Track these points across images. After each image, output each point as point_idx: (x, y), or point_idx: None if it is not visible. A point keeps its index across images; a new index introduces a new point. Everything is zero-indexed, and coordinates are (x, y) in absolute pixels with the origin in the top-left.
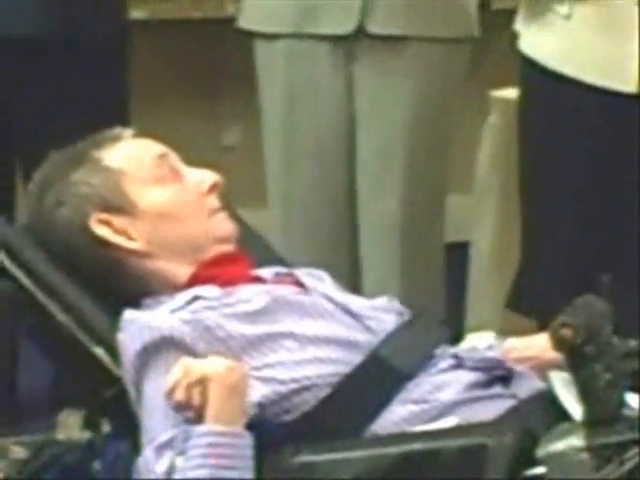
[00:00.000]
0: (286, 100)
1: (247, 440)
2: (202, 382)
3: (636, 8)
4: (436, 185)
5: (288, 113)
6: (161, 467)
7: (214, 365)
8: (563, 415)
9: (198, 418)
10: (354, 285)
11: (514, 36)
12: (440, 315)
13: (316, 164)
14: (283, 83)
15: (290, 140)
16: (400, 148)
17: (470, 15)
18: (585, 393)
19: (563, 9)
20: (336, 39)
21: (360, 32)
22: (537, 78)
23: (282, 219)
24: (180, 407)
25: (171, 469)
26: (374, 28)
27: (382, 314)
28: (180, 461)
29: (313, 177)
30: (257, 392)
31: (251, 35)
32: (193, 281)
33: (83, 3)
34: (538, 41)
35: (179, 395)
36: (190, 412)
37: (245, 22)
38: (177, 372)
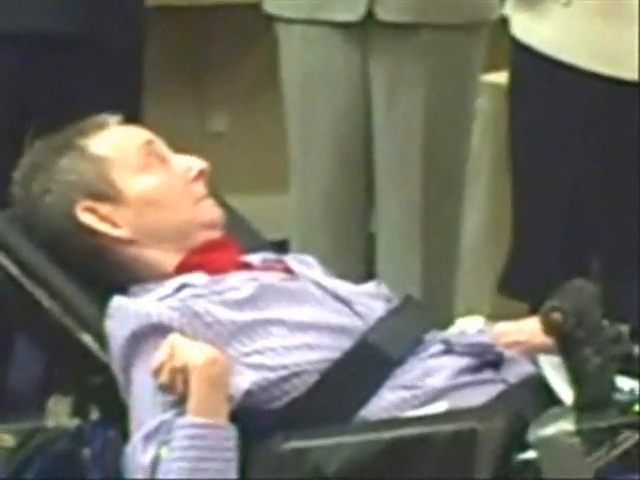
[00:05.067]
0: (303, 85)
1: (229, 432)
2: (184, 370)
3: None
4: (455, 169)
5: (305, 98)
6: (147, 458)
7: (196, 356)
8: (553, 399)
9: (182, 402)
10: (368, 270)
11: (503, 20)
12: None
13: (333, 149)
14: (300, 68)
15: (307, 125)
16: (418, 135)
17: None
18: (575, 377)
19: None
20: (348, 26)
21: (371, 19)
22: (531, 64)
23: (300, 203)
24: (165, 388)
25: (156, 460)
26: (384, 15)
27: (371, 300)
28: (165, 451)
29: (330, 162)
30: (246, 379)
31: (273, 19)
32: (181, 268)
33: (107, 5)
34: (533, 27)
35: (163, 377)
36: (174, 394)
37: (267, 6)
38: (164, 351)
